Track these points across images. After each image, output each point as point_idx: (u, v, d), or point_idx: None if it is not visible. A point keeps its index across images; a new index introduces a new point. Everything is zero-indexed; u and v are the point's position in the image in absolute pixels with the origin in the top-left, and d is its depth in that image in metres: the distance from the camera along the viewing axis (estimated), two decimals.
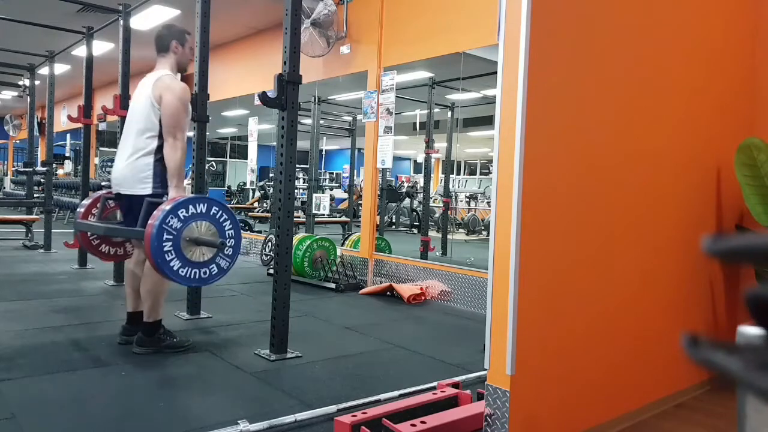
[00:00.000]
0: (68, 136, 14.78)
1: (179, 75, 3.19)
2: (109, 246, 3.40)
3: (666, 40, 2.47)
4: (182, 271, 2.70)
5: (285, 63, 2.99)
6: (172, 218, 2.67)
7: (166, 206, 2.70)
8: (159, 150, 2.96)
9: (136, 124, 3.01)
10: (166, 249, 2.64)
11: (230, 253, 2.88)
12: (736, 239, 0.39)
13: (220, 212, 2.84)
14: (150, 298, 2.99)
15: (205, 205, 2.79)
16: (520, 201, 1.82)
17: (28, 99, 7.87)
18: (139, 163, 2.96)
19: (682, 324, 2.66)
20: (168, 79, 3.00)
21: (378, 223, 6.07)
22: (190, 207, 2.74)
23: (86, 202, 3.38)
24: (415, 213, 11.60)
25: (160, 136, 2.96)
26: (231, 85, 7.71)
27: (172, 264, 2.67)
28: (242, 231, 7.64)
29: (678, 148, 2.60)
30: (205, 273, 2.79)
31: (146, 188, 2.94)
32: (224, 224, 2.85)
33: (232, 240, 2.88)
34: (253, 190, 12.28)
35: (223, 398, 2.49)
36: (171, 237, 2.66)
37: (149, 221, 2.68)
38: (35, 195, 8.39)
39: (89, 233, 3.29)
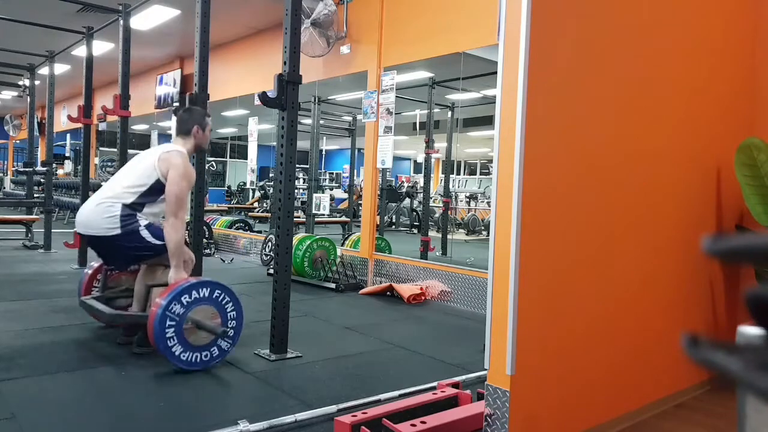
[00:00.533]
0: (68, 136, 14.78)
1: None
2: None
3: (666, 40, 2.47)
4: (184, 356, 2.73)
5: (285, 63, 2.99)
6: (175, 305, 2.71)
7: (168, 292, 2.73)
8: (131, 204, 2.94)
9: (124, 180, 3.04)
10: (168, 335, 2.68)
11: (231, 334, 2.91)
12: (736, 239, 0.39)
13: (222, 295, 2.87)
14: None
15: (208, 289, 2.83)
16: (520, 201, 1.82)
17: (28, 99, 7.88)
18: (106, 206, 2.94)
19: (682, 324, 2.66)
20: (180, 159, 2.98)
21: (378, 223, 6.07)
22: (194, 292, 2.77)
23: (87, 272, 3.39)
24: (415, 213, 11.60)
25: (141, 196, 2.96)
26: (231, 85, 7.71)
27: (174, 350, 2.70)
28: (242, 231, 7.67)
29: (678, 148, 2.60)
30: (206, 356, 2.81)
31: (114, 229, 2.91)
32: (226, 306, 2.89)
33: (234, 321, 2.91)
34: (253, 190, 12.28)
35: (223, 398, 2.49)
36: (174, 323, 2.70)
37: (153, 306, 2.73)
38: (35, 195, 8.39)
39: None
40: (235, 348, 2.93)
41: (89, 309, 3.21)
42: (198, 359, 2.78)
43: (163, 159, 2.97)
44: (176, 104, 3.09)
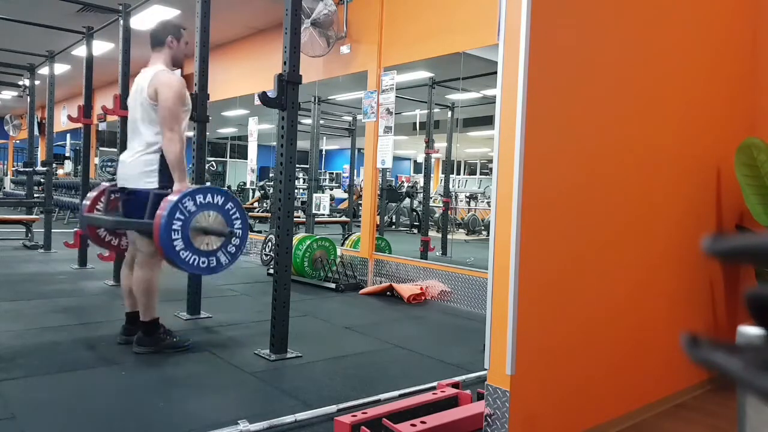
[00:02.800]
0: (68, 136, 14.79)
1: (177, 71, 3.20)
2: (116, 237, 3.47)
3: (667, 40, 2.47)
4: (184, 255, 2.74)
5: (285, 63, 2.99)
6: (187, 201, 2.73)
7: (175, 195, 2.74)
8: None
9: (140, 120, 3.02)
10: (174, 227, 2.69)
11: (233, 251, 2.91)
12: (736, 239, 0.39)
13: (234, 209, 2.89)
14: (143, 297, 3.00)
15: (222, 197, 2.86)
16: (520, 201, 1.82)
17: (28, 99, 7.87)
18: (145, 158, 2.97)
19: (682, 324, 2.66)
20: (163, 75, 2.99)
21: (378, 223, 6.07)
22: (208, 196, 2.80)
23: (91, 194, 3.42)
24: (415, 213, 11.59)
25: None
26: (231, 85, 7.71)
27: (177, 247, 2.70)
28: None
29: (678, 148, 2.60)
30: (204, 263, 2.83)
31: (152, 183, 2.94)
32: (234, 220, 2.90)
33: (238, 239, 2.92)
34: (253, 190, 12.27)
35: (223, 398, 2.49)
36: (182, 220, 2.71)
37: (159, 209, 2.72)
38: (35, 195, 8.38)
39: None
40: (235, 263, 2.95)
41: (91, 221, 3.24)
42: (197, 263, 2.79)
43: (151, 85, 2.96)
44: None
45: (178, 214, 2.69)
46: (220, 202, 2.84)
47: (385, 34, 5.34)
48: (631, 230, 2.35)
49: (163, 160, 2.95)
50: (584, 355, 2.15)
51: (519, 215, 1.82)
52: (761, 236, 0.38)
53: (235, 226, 2.91)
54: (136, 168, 2.98)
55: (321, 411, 2.27)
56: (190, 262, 2.77)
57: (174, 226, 2.69)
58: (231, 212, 2.89)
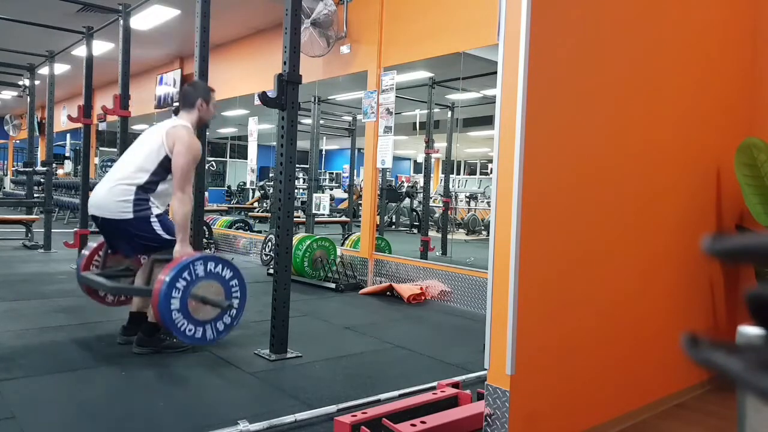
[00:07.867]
0: (68, 136, 14.79)
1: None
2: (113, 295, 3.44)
3: (666, 40, 2.47)
4: (184, 328, 2.78)
5: (285, 63, 2.99)
6: (182, 276, 2.75)
7: (175, 264, 2.77)
8: (145, 185, 2.95)
9: (133, 159, 3.03)
10: (174, 307, 2.73)
11: (233, 314, 2.97)
12: (736, 239, 0.39)
13: (230, 273, 2.95)
14: None
15: (214, 264, 2.89)
16: (520, 201, 1.82)
17: (28, 99, 7.87)
18: (120, 188, 2.95)
19: (682, 324, 2.66)
20: (185, 132, 2.99)
21: (378, 223, 6.07)
22: (200, 266, 2.82)
23: (88, 250, 3.37)
24: (415, 213, 11.59)
25: (152, 174, 2.96)
26: (231, 85, 7.71)
27: (177, 322, 2.74)
28: (242, 231, 7.66)
29: (678, 148, 2.60)
30: (206, 332, 2.86)
31: (126, 213, 2.92)
32: (231, 284, 2.96)
33: (237, 300, 2.98)
34: (253, 190, 12.27)
35: (223, 398, 2.49)
36: (179, 295, 2.74)
37: (159, 278, 2.75)
38: (35, 195, 8.38)
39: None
40: (237, 324, 2.98)
41: (88, 283, 3.21)
42: (201, 334, 2.82)
43: (170, 134, 2.98)
44: (176, 104, 3.12)
45: (174, 293, 2.72)
46: (212, 270, 2.86)
47: (385, 34, 5.34)
48: (631, 230, 2.35)
49: (138, 193, 2.94)
50: (584, 354, 2.15)
51: (519, 215, 1.82)
52: (761, 236, 0.38)
53: (232, 289, 2.96)
54: (111, 197, 2.95)
55: (321, 411, 2.27)
56: (196, 335, 2.82)
57: (173, 306, 2.72)
58: (227, 277, 2.93)
